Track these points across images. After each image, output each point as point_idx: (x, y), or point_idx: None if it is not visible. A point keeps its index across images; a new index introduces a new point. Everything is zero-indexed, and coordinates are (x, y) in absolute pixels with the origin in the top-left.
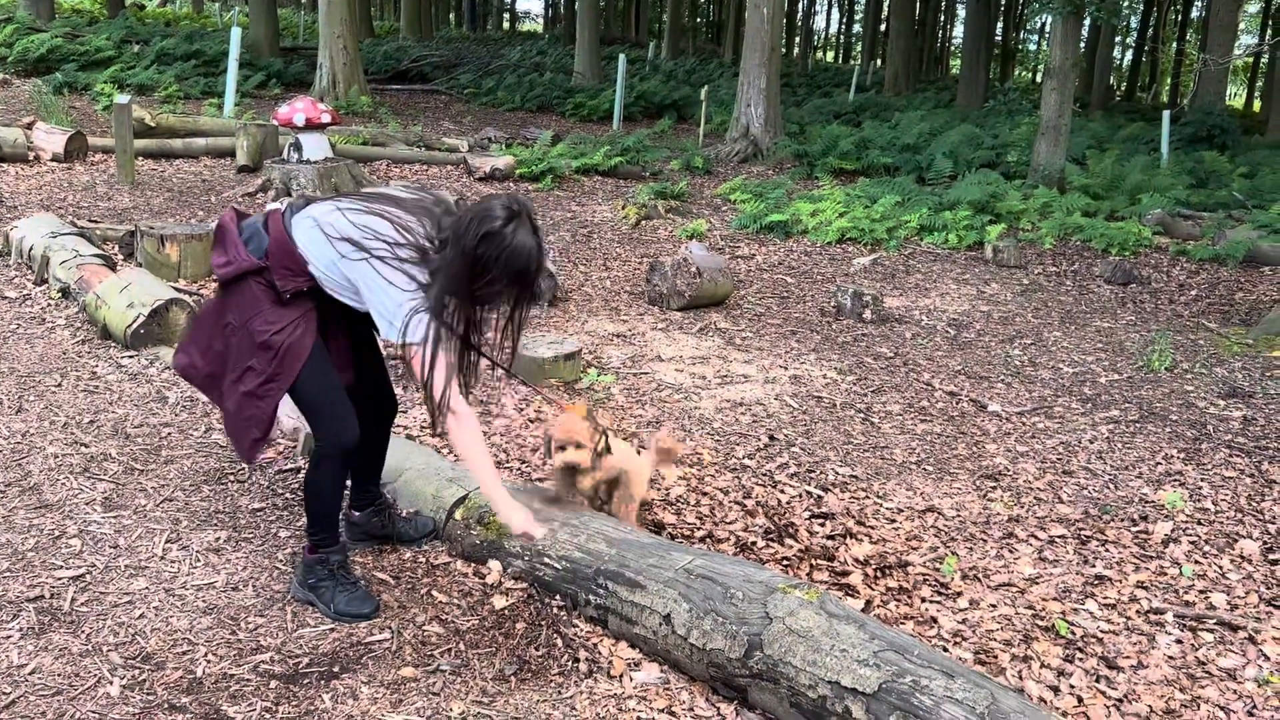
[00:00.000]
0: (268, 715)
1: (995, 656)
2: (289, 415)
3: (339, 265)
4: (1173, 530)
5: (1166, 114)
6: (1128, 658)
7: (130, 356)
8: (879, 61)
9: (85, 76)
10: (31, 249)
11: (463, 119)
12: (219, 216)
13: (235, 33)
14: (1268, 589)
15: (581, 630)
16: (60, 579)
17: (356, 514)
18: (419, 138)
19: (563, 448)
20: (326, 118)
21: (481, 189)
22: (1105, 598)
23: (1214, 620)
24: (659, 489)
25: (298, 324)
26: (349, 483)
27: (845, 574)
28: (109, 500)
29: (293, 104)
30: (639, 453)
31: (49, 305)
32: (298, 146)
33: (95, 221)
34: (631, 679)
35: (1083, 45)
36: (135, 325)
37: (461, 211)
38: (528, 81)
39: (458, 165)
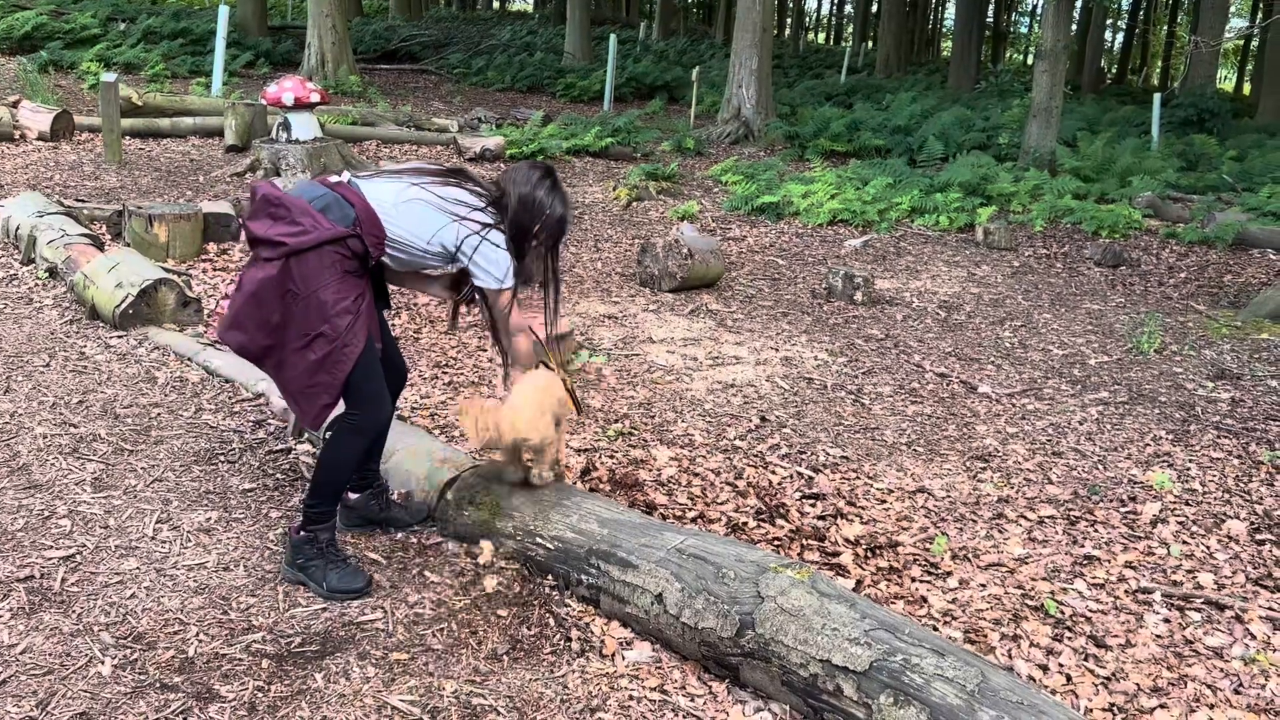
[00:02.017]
0: (260, 694)
1: (985, 635)
2: (279, 396)
3: (440, 235)
4: (1161, 511)
5: (1157, 97)
6: (1116, 637)
7: (119, 337)
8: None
9: (71, 55)
10: (18, 228)
11: (452, 99)
12: (257, 187)
13: (223, 11)
14: (1254, 569)
15: (574, 610)
16: (50, 559)
17: (354, 496)
18: (408, 118)
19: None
20: (315, 97)
21: (472, 170)
22: (1094, 577)
23: (1201, 599)
24: (650, 470)
25: (362, 297)
26: None
27: (836, 554)
28: (99, 480)
29: (281, 83)
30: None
31: (36, 285)
32: (286, 126)
33: (82, 201)
34: (624, 658)
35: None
36: (124, 305)
37: (504, 171)
38: (518, 62)
39: (448, 145)
